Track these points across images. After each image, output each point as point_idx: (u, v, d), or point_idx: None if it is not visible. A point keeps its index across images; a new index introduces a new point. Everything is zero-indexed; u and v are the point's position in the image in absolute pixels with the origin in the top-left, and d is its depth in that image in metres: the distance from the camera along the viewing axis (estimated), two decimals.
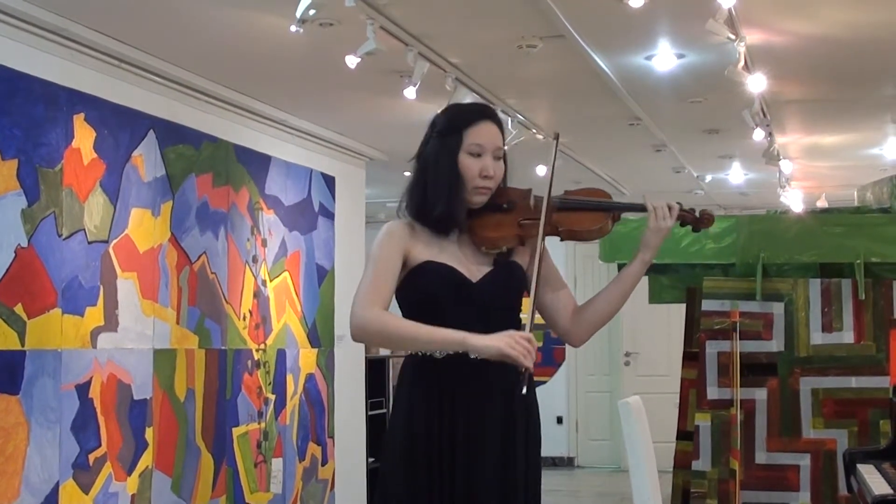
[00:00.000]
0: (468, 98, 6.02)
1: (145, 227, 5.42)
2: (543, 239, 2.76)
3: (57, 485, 4.73)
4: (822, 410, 4.38)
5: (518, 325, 2.74)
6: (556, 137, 2.97)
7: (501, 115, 6.24)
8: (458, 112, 2.84)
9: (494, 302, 2.72)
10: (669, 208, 2.80)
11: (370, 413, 7.89)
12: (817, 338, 4.44)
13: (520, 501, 2.70)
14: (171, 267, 5.60)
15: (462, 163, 2.73)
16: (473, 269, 2.74)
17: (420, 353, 2.71)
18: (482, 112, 2.81)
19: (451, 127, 2.77)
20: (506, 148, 2.82)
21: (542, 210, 2.74)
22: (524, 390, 2.61)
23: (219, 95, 6.00)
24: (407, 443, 2.69)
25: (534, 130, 6.97)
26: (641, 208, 2.81)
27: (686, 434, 4.67)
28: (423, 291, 2.71)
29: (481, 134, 2.75)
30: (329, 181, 7.38)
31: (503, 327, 2.67)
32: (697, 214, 2.87)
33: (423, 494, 2.66)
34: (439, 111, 2.88)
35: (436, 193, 2.73)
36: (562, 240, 2.85)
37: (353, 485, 7.54)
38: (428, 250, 2.74)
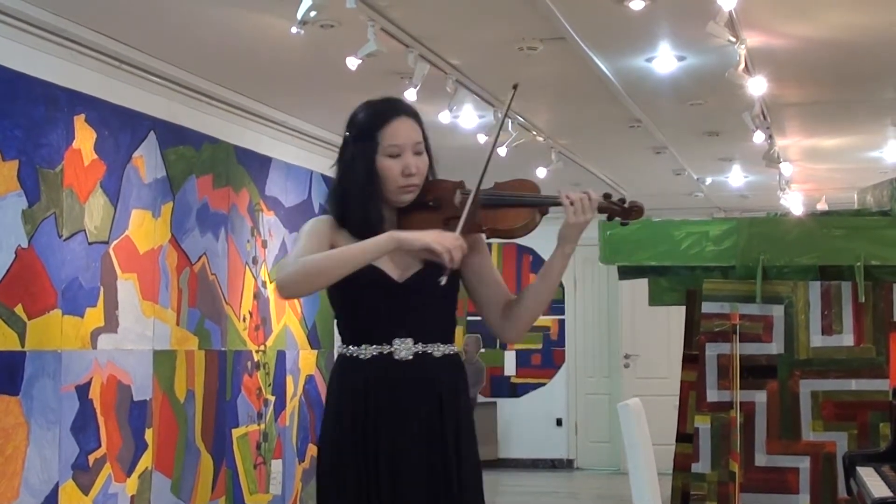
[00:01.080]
0: (468, 100, 6.03)
1: (146, 228, 5.42)
2: (467, 234, 2.67)
3: (56, 486, 4.73)
4: (822, 413, 4.38)
5: (449, 326, 2.73)
6: (515, 87, 2.85)
7: (500, 116, 6.27)
8: (370, 114, 2.74)
9: (417, 303, 2.66)
10: (590, 199, 2.67)
11: None
12: (817, 340, 4.43)
13: (453, 500, 2.64)
14: (171, 268, 5.61)
15: (381, 165, 2.67)
16: (401, 268, 2.69)
17: (348, 354, 2.68)
18: (395, 109, 2.73)
19: (365, 131, 2.71)
20: (425, 140, 2.74)
21: (465, 208, 2.66)
22: (442, 281, 2.57)
23: (219, 97, 6.00)
24: (335, 443, 2.67)
25: (534, 132, 6.97)
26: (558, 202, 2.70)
27: (686, 436, 4.67)
28: (346, 292, 2.67)
29: (397, 133, 2.69)
30: (329, 182, 7.37)
31: (430, 328, 2.65)
32: (627, 205, 2.72)
33: (350, 496, 2.63)
34: (354, 111, 2.79)
35: (354, 201, 2.69)
36: (487, 238, 2.76)
37: None
38: None
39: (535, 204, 2.71)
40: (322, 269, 2.57)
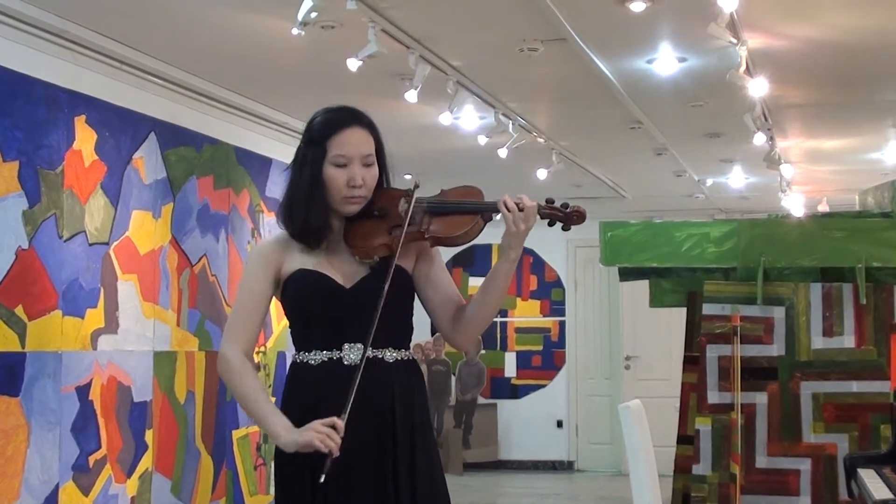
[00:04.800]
0: (469, 101, 6.02)
1: (146, 229, 5.42)
2: (407, 244, 2.69)
3: (57, 487, 4.73)
4: (823, 415, 4.37)
5: (405, 328, 2.72)
6: (415, 186, 2.76)
7: (502, 118, 6.28)
8: (322, 122, 2.73)
9: (365, 309, 2.62)
10: (526, 207, 2.62)
11: None
12: (818, 342, 4.43)
13: None
14: (171, 269, 5.60)
15: (327, 174, 2.67)
16: (349, 275, 2.69)
17: (298, 360, 2.70)
18: (346, 119, 2.72)
19: (315, 138, 2.71)
20: (376, 150, 2.73)
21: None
22: (323, 478, 2.53)
23: (220, 98, 6.00)
24: (283, 457, 2.67)
25: (534, 134, 6.97)
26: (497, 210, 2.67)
27: (686, 438, 4.66)
28: (294, 300, 2.69)
29: (345, 143, 2.68)
30: None
31: (381, 333, 2.62)
32: (568, 210, 2.70)
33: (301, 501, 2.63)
34: (312, 116, 2.79)
35: (299, 207, 2.69)
36: (431, 246, 2.75)
37: None
38: (301, 258, 2.70)
39: (476, 210, 2.71)
40: (238, 396, 2.76)
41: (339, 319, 2.66)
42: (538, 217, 2.67)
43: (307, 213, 2.67)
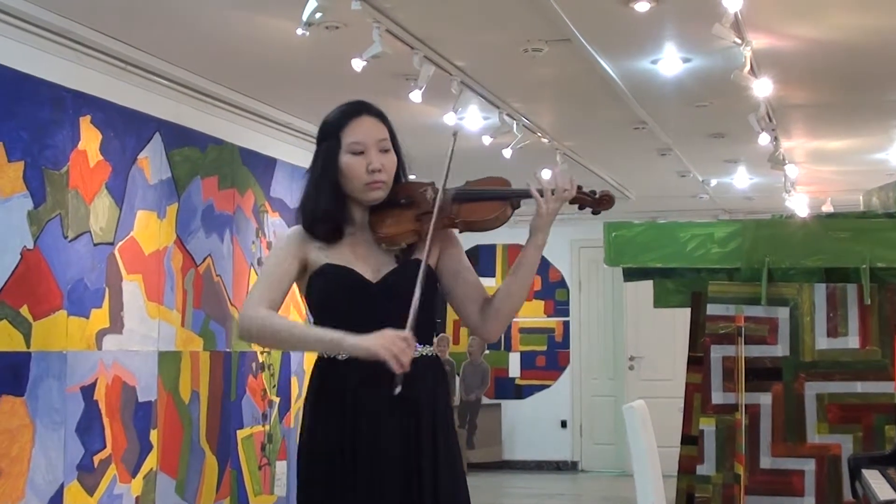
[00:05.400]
0: (473, 102, 6.03)
1: (151, 230, 5.43)
2: (437, 231, 2.70)
3: (62, 486, 4.73)
4: (827, 416, 4.37)
5: (429, 323, 2.72)
6: (455, 135, 2.86)
7: (506, 119, 6.28)
8: (333, 116, 2.75)
9: (393, 304, 2.63)
10: (564, 189, 2.68)
11: None
12: (822, 343, 4.43)
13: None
14: (176, 269, 5.61)
15: (346, 163, 2.68)
16: (375, 269, 2.70)
17: (325, 356, 2.68)
18: (356, 110, 2.74)
19: (327, 132, 2.73)
20: (390, 138, 2.73)
21: (435, 202, 2.68)
22: (397, 391, 2.52)
23: (224, 98, 6.01)
24: (311, 448, 2.67)
25: (539, 134, 6.97)
26: (529, 195, 2.71)
27: (690, 438, 4.66)
28: (322, 294, 2.68)
29: (358, 131, 2.69)
30: None
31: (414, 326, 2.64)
32: (597, 196, 2.76)
33: (324, 498, 2.64)
34: (323, 118, 2.80)
35: (312, 198, 2.70)
36: (460, 231, 2.77)
37: None
38: (326, 254, 2.70)
39: (506, 196, 2.73)
40: (273, 340, 2.67)
41: (367, 314, 2.64)
42: (567, 201, 2.71)
43: (329, 207, 2.68)
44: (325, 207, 2.68)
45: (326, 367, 2.68)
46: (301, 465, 2.73)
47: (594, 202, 2.75)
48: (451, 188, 2.73)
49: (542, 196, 2.67)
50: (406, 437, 2.63)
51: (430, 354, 2.71)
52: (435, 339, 2.80)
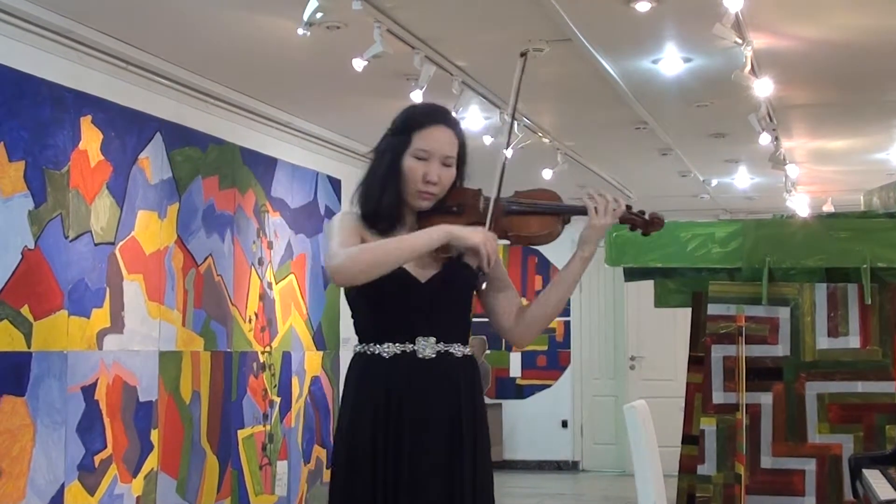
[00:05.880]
0: (474, 102, 6.03)
1: (151, 230, 5.43)
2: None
3: (62, 486, 4.74)
4: (828, 415, 4.37)
5: (466, 326, 2.76)
6: (524, 55, 2.90)
7: (507, 118, 6.27)
8: (412, 114, 2.80)
9: (439, 303, 2.69)
10: (615, 203, 2.74)
11: None
12: (823, 342, 4.43)
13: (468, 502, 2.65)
14: (177, 269, 5.61)
15: (406, 165, 2.71)
16: (422, 268, 2.71)
17: (368, 352, 2.69)
18: (436, 117, 2.77)
19: (402, 128, 2.75)
20: (459, 151, 2.77)
21: (489, 211, 2.70)
22: (483, 286, 2.66)
23: (225, 98, 6.01)
24: (353, 443, 2.67)
25: (539, 134, 6.97)
26: (584, 211, 2.76)
27: (691, 438, 4.66)
28: (370, 289, 2.66)
29: (430, 139, 2.72)
30: (335, 184, 7.38)
31: (450, 328, 2.69)
32: (647, 217, 2.79)
33: (367, 495, 2.63)
34: (406, 107, 2.84)
35: (377, 190, 2.72)
36: (511, 244, 2.80)
37: None
38: None
39: (559, 212, 2.76)
40: (378, 260, 2.59)
41: (415, 313, 2.67)
42: (617, 220, 2.76)
43: (384, 201, 2.71)
44: (388, 203, 2.71)
45: (369, 364, 2.69)
46: (339, 458, 2.71)
47: (644, 223, 2.79)
48: (501, 199, 2.75)
49: (596, 213, 2.73)
50: (451, 433, 2.66)
51: (468, 354, 2.76)
52: (470, 340, 2.82)
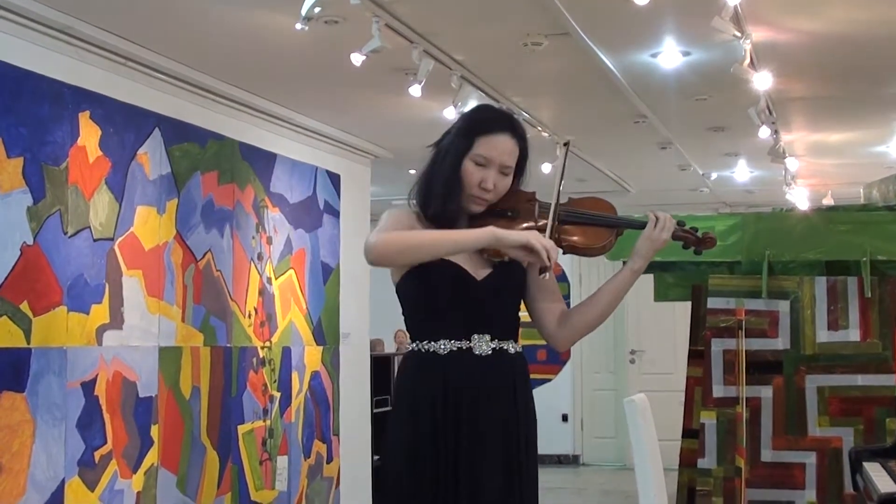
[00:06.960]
0: (473, 96, 6.02)
1: (150, 225, 5.42)
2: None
3: (62, 482, 4.74)
4: (828, 408, 4.38)
5: (516, 326, 2.79)
6: (567, 144, 2.90)
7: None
8: (480, 118, 2.82)
9: (495, 301, 2.73)
10: (671, 220, 2.80)
11: (375, 411, 7.89)
12: (823, 336, 4.43)
13: (520, 499, 2.70)
14: (176, 265, 5.61)
15: (465, 168, 2.73)
16: (478, 267, 2.74)
17: (423, 349, 2.71)
18: (502, 125, 2.78)
19: (467, 130, 2.77)
20: (519, 160, 2.79)
21: (549, 223, 2.70)
22: (546, 276, 2.64)
23: (224, 93, 6.01)
24: (412, 439, 2.69)
25: (539, 128, 6.96)
26: (640, 225, 2.79)
27: (692, 432, 4.67)
28: (428, 286, 2.70)
29: (491, 147, 2.73)
30: (334, 179, 7.38)
31: (502, 327, 2.73)
32: (700, 235, 2.84)
33: (427, 491, 2.66)
34: (476, 105, 2.87)
35: (435, 188, 2.75)
36: (564, 253, 2.80)
37: (358, 482, 7.55)
38: None
39: (616, 225, 2.77)
40: (416, 245, 2.62)
41: (470, 310, 2.70)
42: (671, 237, 2.79)
43: (444, 200, 2.73)
44: (450, 207, 2.73)
45: (426, 361, 2.71)
46: (395, 454, 2.73)
47: (697, 241, 2.83)
48: (559, 205, 2.75)
49: (654, 228, 2.76)
50: (507, 428, 2.70)
51: (520, 351, 2.78)
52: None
